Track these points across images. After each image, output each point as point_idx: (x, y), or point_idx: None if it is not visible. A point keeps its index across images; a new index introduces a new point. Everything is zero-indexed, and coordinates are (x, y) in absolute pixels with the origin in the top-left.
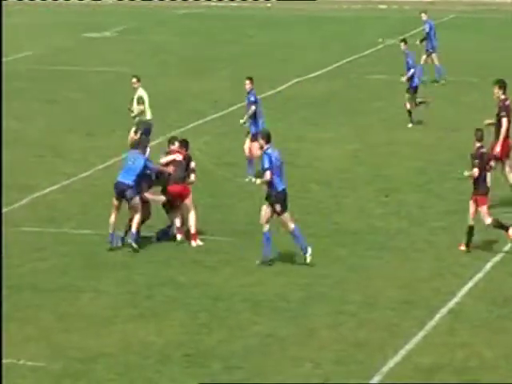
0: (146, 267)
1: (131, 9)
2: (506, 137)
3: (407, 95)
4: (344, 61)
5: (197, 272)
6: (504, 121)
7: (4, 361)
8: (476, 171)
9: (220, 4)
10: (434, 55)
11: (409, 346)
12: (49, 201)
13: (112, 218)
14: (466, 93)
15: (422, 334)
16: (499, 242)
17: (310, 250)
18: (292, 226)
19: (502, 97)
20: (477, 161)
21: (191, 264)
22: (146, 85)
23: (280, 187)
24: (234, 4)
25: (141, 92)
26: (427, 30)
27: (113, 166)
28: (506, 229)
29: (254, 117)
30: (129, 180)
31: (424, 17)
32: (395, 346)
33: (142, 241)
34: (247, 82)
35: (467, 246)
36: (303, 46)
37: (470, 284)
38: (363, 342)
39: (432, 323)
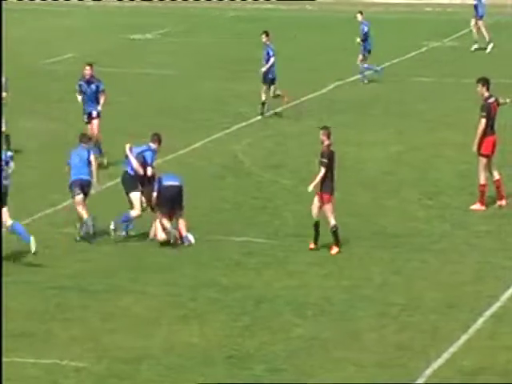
0: (189, 269)
1: (176, 10)
2: (492, 133)
3: (264, 87)
4: (387, 63)
5: (240, 274)
6: (482, 121)
7: (47, 361)
8: None
9: (263, 6)
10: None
11: (452, 349)
12: (93, 202)
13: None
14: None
15: (465, 337)
16: None
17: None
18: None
19: (486, 94)
20: None
21: (234, 266)
22: (189, 86)
23: None
24: (282, 7)
25: None
26: (365, 30)
27: (156, 167)
28: None
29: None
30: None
31: (360, 17)
32: (438, 348)
33: (183, 243)
34: (263, 36)
35: None
36: (346, 48)
37: None
38: (406, 345)
39: (475, 326)
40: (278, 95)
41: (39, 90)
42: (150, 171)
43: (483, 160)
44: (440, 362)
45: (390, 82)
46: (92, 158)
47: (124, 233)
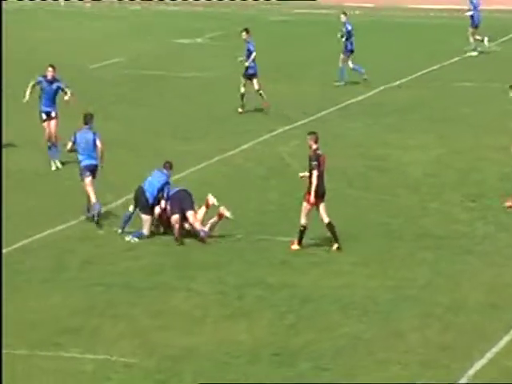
0: (236, 267)
1: (224, 15)
2: None
3: (243, 81)
4: (430, 68)
5: (285, 273)
6: None
7: (98, 356)
8: None
9: (307, 11)
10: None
11: (495, 349)
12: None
13: None
14: None
15: (508, 337)
16: None
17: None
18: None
19: None
20: None
21: (280, 265)
22: (236, 89)
23: None
24: (322, 11)
25: None
26: (349, 28)
27: (205, 168)
28: None
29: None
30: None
31: (343, 18)
32: (482, 349)
33: (230, 241)
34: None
35: None
36: (389, 52)
37: None
38: (450, 345)
39: None
40: (260, 94)
41: (90, 93)
42: (163, 204)
43: None
44: (483, 362)
45: (434, 87)
46: (98, 141)
47: (120, 230)
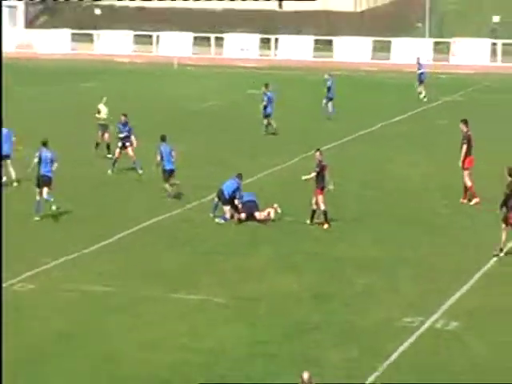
0: (286, 241)
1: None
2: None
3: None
4: (416, 110)
5: (318, 245)
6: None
7: (198, 297)
8: None
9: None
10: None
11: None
12: None
13: None
14: None
15: None
16: None
17: None
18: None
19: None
20: None
21: (315, 239)
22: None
23: None
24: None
25: None
26: (329, 84)
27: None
28: None
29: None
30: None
31: (326, 76)
32: None
33: (283, 224)
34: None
35: None
36: (385, 98)
37: None
38: None
39: None
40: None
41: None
42: (237, 202)
43: None
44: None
45: (420, 124)
46: (173, 152)
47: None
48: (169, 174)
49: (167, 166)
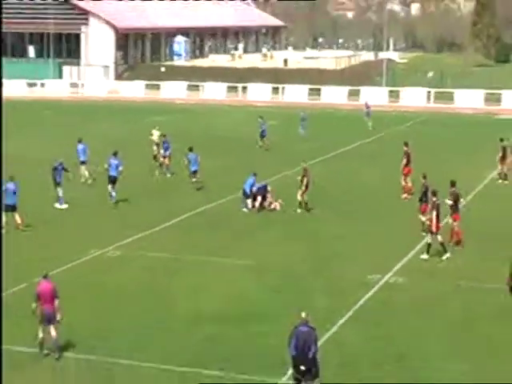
0: (290, 222)
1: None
2: None
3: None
4: (378, 135)
5: (310, 224)
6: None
7: (240, 262)
8: None
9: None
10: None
11: None
12: None
13: None
14: None
15: None
16: None
17: None
18: None
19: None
20: None
21: (309, 221)
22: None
23: None
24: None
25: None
26: (263, 128)
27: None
28: None
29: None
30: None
31: (260, 120)
32: None
33: (290, 212)
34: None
35: None
36: (356, 127)
37: None
38: None
39: None
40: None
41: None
42: (254, 191)
43: None
44: None
45: (379, 144)
46: (198, 157)
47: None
48: (193, 173)
49: (193, 168)
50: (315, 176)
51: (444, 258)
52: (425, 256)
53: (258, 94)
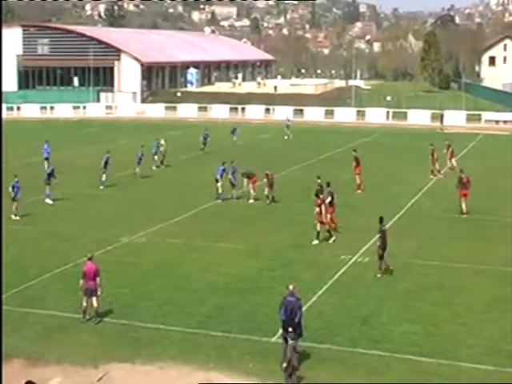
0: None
1: None
2: None
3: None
4: (350, 145)
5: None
6: None
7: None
8: None
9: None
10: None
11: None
12: None
13: None
14: None
15: None
16: None
17: None
18: None
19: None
20: None
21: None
22: None
23: None
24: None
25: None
26: (202, 139)
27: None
28: None
29: None
30: None
31: (206, 131)
32: None
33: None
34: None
35: None
36: (332, 139)
37: None
38: None
39: None
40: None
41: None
42: (231, 179)
43: None
44: None
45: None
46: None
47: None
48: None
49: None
50: (300, 177)
51: (331, 241)
52: (315, 242)
53: (254, 113)
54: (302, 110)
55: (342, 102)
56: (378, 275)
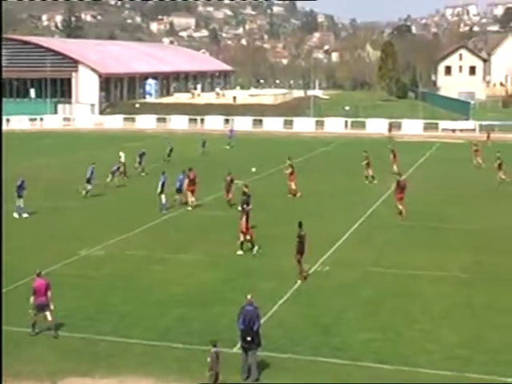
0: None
1: None
2: None
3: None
4: (310, 154)
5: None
6: None
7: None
8: None
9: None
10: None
11: None
12: None
13: None
14: None
15: None
16: None
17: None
18: None
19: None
20: None
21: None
22: None
23: None
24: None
25: None
26: (168, 149)
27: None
28: None
29: None
30: None
31: (166, 139)
32: None
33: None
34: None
35: None
36: (289, 149)
37: None
38: None
39: None
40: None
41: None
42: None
43: None
44: None
45: (310, 163)
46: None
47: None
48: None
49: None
50: (259, 187)
51: (254, 251)
52: (240, 252)
53: (213, 124)
54: (261, 121)
55: (300, 112)
56: (299, 281)
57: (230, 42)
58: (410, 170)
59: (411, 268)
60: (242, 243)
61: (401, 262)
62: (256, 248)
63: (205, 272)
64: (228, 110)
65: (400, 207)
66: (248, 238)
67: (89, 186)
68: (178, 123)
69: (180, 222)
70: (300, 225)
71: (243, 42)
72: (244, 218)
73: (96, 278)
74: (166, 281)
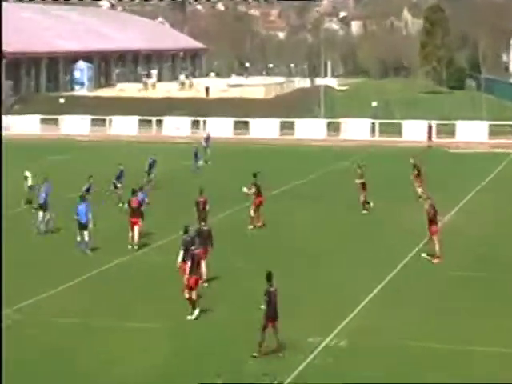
0: None
1: None
2: None
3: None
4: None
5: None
6: None
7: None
8: None
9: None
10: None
11: None
12: None
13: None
14: None
15: None
16: None
17: None
18: None
19: None
20: None
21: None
22: None
23: None
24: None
25: None
26: (150, 162)
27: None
28: None
29: None
30: None
31: (150, 159)
32: None
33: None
34: None
35: None
36: (288, 164)
37: None
38: None
39: None
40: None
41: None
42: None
43: None
44: None
45: (320, 184)
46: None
47: None
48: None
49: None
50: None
51: (194, 316)
52: (189, 317)
53: (176, 128)
54: (246, 123)
55: (305, 111)
56: (280, 354)
57: (200, 7)
58: (467, 196)
59: (467, 343)
60: (193, 302)
61: (454, 334)
62: (196, 312)
63: (165, 345)
64: (198, 108)
65: (437, 247)
66: (190, 295)
67: None
68: (123, 127)
69: (126, 271)
70: (269, 277)
71: (220, 6)
72: (189, 264)
73: (7, 359)
74: (111, 361)
